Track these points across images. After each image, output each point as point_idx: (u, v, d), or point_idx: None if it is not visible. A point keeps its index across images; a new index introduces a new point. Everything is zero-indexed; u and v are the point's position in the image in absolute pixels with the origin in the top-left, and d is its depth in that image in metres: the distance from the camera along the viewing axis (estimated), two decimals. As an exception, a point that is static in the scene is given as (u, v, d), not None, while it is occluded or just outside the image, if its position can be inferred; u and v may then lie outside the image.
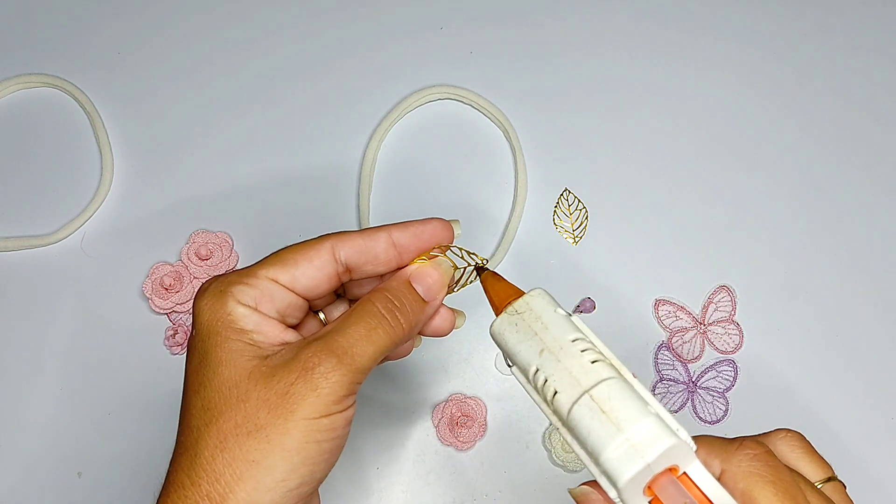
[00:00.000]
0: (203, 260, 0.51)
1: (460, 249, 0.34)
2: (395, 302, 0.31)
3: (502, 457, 0.48)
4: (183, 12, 0.57)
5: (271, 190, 0.53)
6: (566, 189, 0.54)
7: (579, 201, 0.54)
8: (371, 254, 0.32)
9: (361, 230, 0.32)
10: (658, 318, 0.51)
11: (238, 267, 0.51)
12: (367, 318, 0.31)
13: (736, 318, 0.51)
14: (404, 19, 0.57)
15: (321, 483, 0.30)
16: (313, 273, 0.31)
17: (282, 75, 0.55)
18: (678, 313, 0.51)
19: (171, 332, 0.50)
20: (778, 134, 0.55)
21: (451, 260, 0.34)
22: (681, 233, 0.53)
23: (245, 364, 0.29)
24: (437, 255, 0.33)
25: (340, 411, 0.29)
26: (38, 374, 0.49)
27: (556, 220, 0.53)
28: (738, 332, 0.51)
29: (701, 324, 0.51)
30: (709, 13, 0.58)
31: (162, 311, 0.50)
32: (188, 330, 0.50)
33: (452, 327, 0.35)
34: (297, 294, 0.31)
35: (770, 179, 0.54)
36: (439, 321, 0.34)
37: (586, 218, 0.53)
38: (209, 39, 0.56)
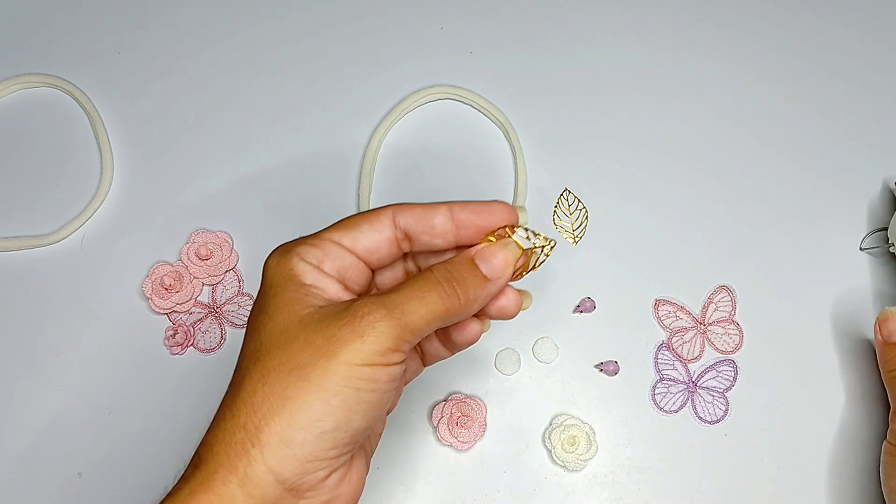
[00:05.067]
0: (203, 260, 0.51)
1: (527, 230, 0.34)
2: (454, 272, 0.32)
3: (502, 457, 0.48)
4: (182, 12, 0.57)
5: (271, 190, 0.53)
6: (566, 189, 0.54)
7: (579, 201, 0.53)
8: (428, 224, 0.33)
9: (423, 203, 0.34)
10: (658, 318, 0.51)
11: (238, 266, 0.51)
12: (423, 281, 0.32)
13: (736, 318, 0.51)
14: (404, 19, 0.57)
15: (359, 438, 0.31)
16: (374, 236, 0.33)
17: (281, 75, 0.55)
18: (678, 313, 0.51)
19: (171, 332, 0.50)
20: (778, 134, 0.55)
21: (518, 243, 0.34)
22: (681, 233, 0.53)
23: (299, 311, 0.30)
24: (504, 237, 0.34)
25: (384, 364, 0.30)
26: (38, 374, 0.49)
27: (556, 220, 0.53)
28: (738, 332, 0.51)
29: (701, 324, 0.51)
30: (711, 14, 0.58)
31: (162, 311, 0.50)
32: (188, 330, 0.50)
33: (519, 308, 0.35)
34: (357, 257, 0.33)
35: (770, 179, 0.54)
36: (505, 301, 0.35)
37: (586, 218, 0.53)
38: (209, 40, 0.56)
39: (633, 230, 0.53)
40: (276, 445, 0.28)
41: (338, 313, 0.30)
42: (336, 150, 0.54)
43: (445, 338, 0.37)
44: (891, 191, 0.53)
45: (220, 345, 0.50)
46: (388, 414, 0.36)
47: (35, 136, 0.54)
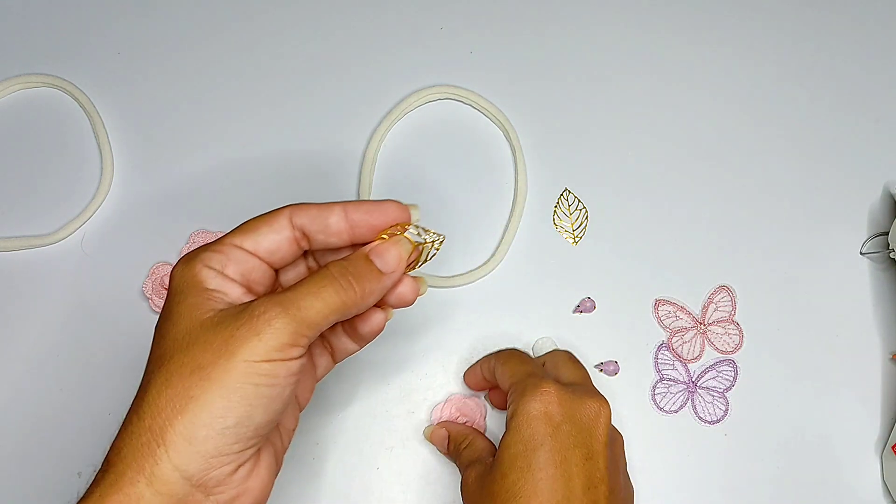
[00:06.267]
0: (203, 260, 0.50)
1: (417, 228, 0.37)
2: (350, 268, 0.34)
3: (502, 457, 0.48)
4: (183, 12, 0.57)
5: (271, 190, 0.53)
6: (566, 189, 0.54)
7: (579, 201, 0.54)
8: (323, 223, 0.35)
9: (320, 203, 0.35)
10: (658, 318, 0.51)
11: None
12: (319, 277, 0.33)
13: (736, 318, 0.51)
14: (404, 19, 0.57)
15: (262, 431, 0.32)
16: (273, 237, 0.34)
17: (282, 76, 0.55)
18: (678, 313, 0.51)
19: (171, 332, 0.50)
20: (780, 135, 0.55)
21: (409, 239, 0.36)
22: (681, 233, 0.53)
23: (200, 315, 0.32)
24: (396, 234, 0.36)
25: (282, 359, 0.31)
26: (38, 374, 0.49)
27: (556, 220, 0.53)
28: (738, 332, 0.51)
29: (701, 324, 0.51)
30: (712, 17, 0.58)
31: (162, 311, 0.50)
32: (188, 330, 0.50)
33: (417, 295, 0.37)
34: (259, 258, 0.34)
35: (771, 180, 0.54)
36: (403, 289, 0.37)
37: (586, 218, 0.53)
38: (209, 40, 0.56)
39: (633, 230, 0.53)
40: (180, 444, 0.30)
41: (236, 314, 0.31)
42: (336, 150, 0.54)
43: (352, 331, 0.39)
44: (891, 196, 0.53)
45: (220, 345, 0.50)
46: (300, 411, 0.38)
47: (35, 136, 0.54)
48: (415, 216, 0.37)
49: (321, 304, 0.32)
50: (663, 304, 0.51)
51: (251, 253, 0.34)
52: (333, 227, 0.35)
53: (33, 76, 0.54)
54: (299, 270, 0.38)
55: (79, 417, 0.49)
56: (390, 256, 0.35)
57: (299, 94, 0.55)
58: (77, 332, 0.50)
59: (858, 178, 0.54)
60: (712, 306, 0.51)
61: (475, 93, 0.54)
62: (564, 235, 0.53)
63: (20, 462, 0.48)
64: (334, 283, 0.33)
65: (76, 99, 0.54)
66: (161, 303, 0.50)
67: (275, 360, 0.31)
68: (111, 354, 0.50)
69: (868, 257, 0.53)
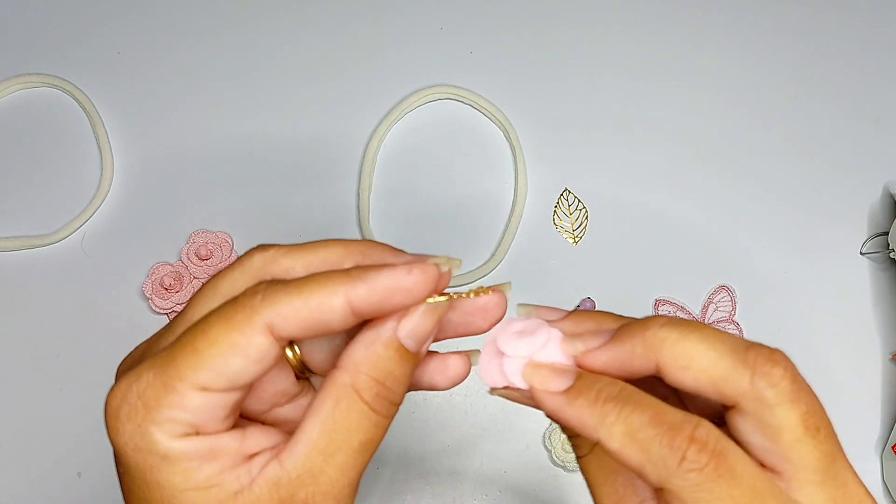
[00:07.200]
0: (203, 260, 0.51)
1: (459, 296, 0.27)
2: (388, 384, 0.25)
3: (502, 457, 0.48)
4: (183, 13, 0.57)
5: (271, 190, 0.53)
6: (566, 189, 0.54)
7: (579, 201, 0.54)
8: (320, 328, 0.24)
9: (303, 287, 0.23)
10: (658, 318, 0.51)
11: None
12: (359, 420, 0.24)
13: (736, 318, 0.51)
14: (404, 19, 0.57)
15: None
16: (252, 368, 0.23)
17: (282, 76, 0.55)
18: (678, 313, 0.51)
19: (171, 332, 0.50)
20: (780, 135, 0.55)
21: (444, 299, 0.26)
22: (681, 233, 0.53)
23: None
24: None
25: None
26: (38, 374, 0.49)
27: (556, 220, 0.53)
28: (738, 332, 0.51)
29: (701, 324, 0.51)
30: (713, 18, 0.58)
31: (162, 312, 0.50)
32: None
33: (470, 366, 0.29)
34: (239, 389, 0.24)
35: (770, 179, 0.54)
36: (454, 374, 0.28)
37: (586, 218, 0.53)
38: (210, 40, 0.56)
39: (633, 230, 0.53)
40: None
41: None
42: (336, 150, 0.54)
43: None
44: (891, 195, 0.53)
45: (220, 345, 0.50)
46: None
47: (35, 136, 0.54)
48: (446, 264, 0.25)
49: (367, 456, 0.25)
50: (663, 304, 0.51)
51: (225, 390, 0.24)
52: (338, 327, 0.24)
53: (33, 76, 0.54)
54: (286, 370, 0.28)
55: (79, 417, 0.49)
56: (425, 333, 0.25)
57: (299, 94, 0.55)
58: (77, 332, 0.50)
59: (858, 178, 0.54)
60: (712, 306, 0.51)
61: (475, 93, 0.54)
62: (564, 235, 0.53)
63: (20, 462, 0.48)
64: (378, 423, 0.25)
65: (76, 99, 0.54)
66: (161, 302, 0.49)
67: None
68: (111, 354, 0.50)
69: (868, 257, 0.53)
